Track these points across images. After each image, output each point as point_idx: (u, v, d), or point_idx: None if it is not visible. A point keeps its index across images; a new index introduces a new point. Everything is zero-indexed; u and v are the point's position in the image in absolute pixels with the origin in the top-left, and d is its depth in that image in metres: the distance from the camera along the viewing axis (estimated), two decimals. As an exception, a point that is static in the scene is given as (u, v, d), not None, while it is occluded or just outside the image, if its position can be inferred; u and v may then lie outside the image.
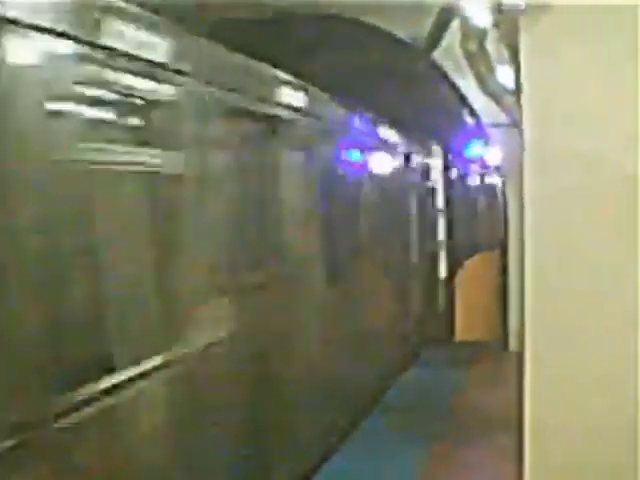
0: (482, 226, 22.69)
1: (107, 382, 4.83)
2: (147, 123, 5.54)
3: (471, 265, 17.12)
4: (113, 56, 5.00)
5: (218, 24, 10.78)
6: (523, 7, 5.03)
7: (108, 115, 5.33)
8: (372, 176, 12.19)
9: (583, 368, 5.04)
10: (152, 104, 5.56)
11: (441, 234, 17.93)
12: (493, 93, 12.01)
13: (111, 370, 4.92)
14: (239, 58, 7.21)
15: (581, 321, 4.98)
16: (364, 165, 11.79)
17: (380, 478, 8.92)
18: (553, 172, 4.89)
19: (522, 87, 5.01)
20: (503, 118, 14.16)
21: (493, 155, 18.07)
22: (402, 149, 14.29)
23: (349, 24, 12.19)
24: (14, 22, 4.07)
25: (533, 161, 4.96)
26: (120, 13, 5.20)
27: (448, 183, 18.79)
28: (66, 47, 4.53)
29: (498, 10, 7.61)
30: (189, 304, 5.96)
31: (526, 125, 4.98)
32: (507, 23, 7.77)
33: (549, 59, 4.89)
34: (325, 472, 8.94)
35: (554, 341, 5.05)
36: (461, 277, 16.96)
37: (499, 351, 14.85)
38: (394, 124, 13.66)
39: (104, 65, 4.94)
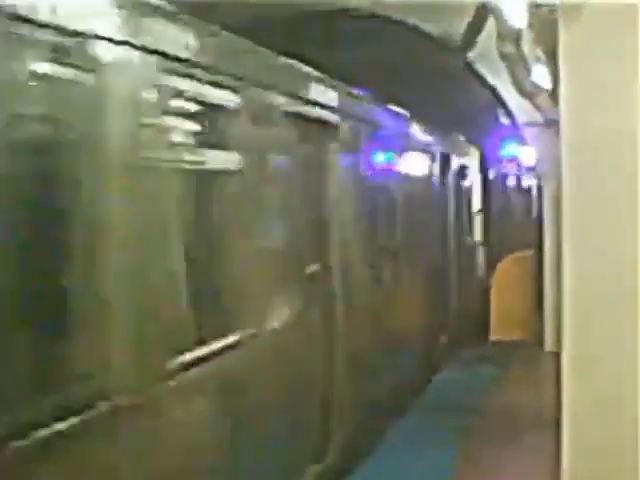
0: (517, 226, 22.65)
1: None
2: None
3: (507, 265, 17.10)
4: None
5: (248, 21, 10.84)
6: (560, 7, 5.04)
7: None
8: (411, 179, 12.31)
9: (621, 367, 5.04)
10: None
11: (477, 234, 17.91)
12: (528, 93, 12.02)
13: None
14: None
15: (620, 320, 4.99)
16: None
17: (415, 476, 8.95)
18: (591, 171, 4.90)
19: (560, 86, 5.02)
20: (538, 118, 14.17)
21: (528, 155, 18.05)
22: (439, 150, 14.31)
23: (385, 22, 12.23)
24: None
25: (571, 160, 4.97)
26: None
27: (483, 183, 18.77)
28: None
29: (535, 10, 7.63)
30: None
31: (564, 124, 5.00)
32: (542, 23, 7.79)
33: (587, 58, 4.90)
34: (362, 470, 8.98)
35: (592, 340, 5.05)
36: (497, 276, 16.94)
37: (535, 350, 14.83)
38: (430, 123, 13.68)
39: None
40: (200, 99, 5.64)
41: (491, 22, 10.05)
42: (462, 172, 16.60)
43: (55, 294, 4.21)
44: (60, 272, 4.26)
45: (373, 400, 9.58)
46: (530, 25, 8.84)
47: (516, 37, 9.70)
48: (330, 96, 8.66)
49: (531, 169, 19.85)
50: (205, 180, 5.82)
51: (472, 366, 14.60)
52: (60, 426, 4.02)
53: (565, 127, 4.99)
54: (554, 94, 10.79)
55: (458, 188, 16.14)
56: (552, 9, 5.51)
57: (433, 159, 13.84)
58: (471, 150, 17.80)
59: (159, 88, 5.01)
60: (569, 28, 4.91)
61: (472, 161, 17.73)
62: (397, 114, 11.94)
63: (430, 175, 13.61)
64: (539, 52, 9.94)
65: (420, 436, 10.31)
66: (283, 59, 7.44)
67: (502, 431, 10.40)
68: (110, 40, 4.48)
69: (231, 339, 5.91)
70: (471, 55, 12.70)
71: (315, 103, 8.13)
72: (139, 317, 4.75)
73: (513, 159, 21.01)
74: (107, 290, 4.47)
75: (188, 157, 5.53)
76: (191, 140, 5.69)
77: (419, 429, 10.63)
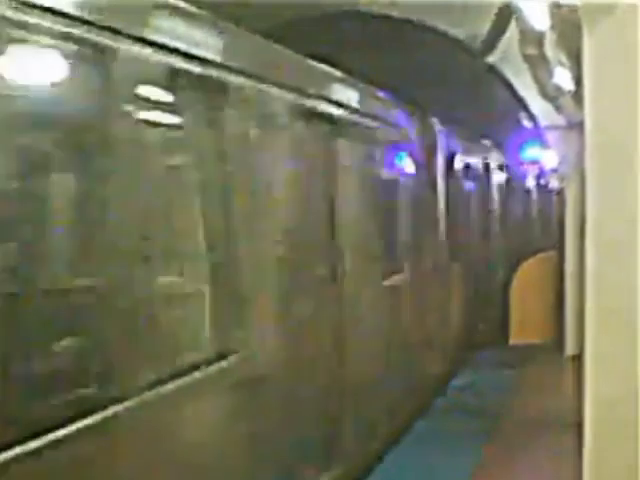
0: (538, 228, 22.63)
1: None
2: None
3: (527, 267, 17.08)
4: None
5: (275, 24, 10.88)
6: (582, 7, 5.03)
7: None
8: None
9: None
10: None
11: (497, 235, 17.90)
12: (551, 95, 12.01)
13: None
14: None
15: (641, 323, 4.97)
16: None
17: (434, 477, 8.96)
18: (616, 173, 4.89)
19: (583, 88, 5.02)
20: (560, 120, 14.16)
21: (550, 157, 18.04)
22: (461, 153, 14.30)
23: (407, 25, 12.25)
24: None
25: (596, 162, 4.96)
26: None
27: (505, 185, 18.77)
28: None
29: (556, 10, 7.62)
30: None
31: (588, 126, 4.98)
32: (564, 24, 7.79)
33: (612, 59, 4.89)
34: (380, 471, 8.99)
35: (615, 344, 5.04)
36: (517, 279, 16.92)
37: (555, 354, 14.80)
38: (453, 126, 13.68)
39: None
40: None
41: (514, 25, 10.06)
42: (484, 174, 16.60)
43: None
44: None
45: None
46: (552, 27, 8.83)
47: (539, 39, 9.70)
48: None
49: (553, 171, 19.84)
50: None
51: (492, 369, 14.59)
52: None
53: (589, 129, 4.98)
54: (576, 96, 10.79)
55: (481, 190, 16.14)
56: (573, 9, 5.51)
57: (455, 162, 13.84)
58: (494, 153, 17.79)
59: None
60: (592, 29, 4.90)
61: (495, 163, 17.71)
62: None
63: (453, 176, 13.60)
64: (561, 54, 9.94)
65: (439, 438, 10.32)
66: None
67: (521, 435, 10.40)
68: None
69: None
70: (494, 58, 12.70)
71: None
72: None
73: (535, 161, 21.01)
74: None
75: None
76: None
77: (438, 431, 10.64)
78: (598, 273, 4.99)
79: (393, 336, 9.87)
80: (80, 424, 4.13)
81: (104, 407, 4.35)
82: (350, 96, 8.85)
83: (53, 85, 4.32)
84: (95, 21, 4.43)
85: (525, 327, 16.53)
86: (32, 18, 4.03)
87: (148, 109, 5.12)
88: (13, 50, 4.02)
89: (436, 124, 12.46)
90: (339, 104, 8.33)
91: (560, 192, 16.67)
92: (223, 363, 5.66)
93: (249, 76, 6.25)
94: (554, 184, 21.55)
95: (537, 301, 16.54)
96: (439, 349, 12.42)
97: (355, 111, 8.82)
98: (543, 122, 14.77)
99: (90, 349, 4.52)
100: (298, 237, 7.08)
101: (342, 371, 8.00)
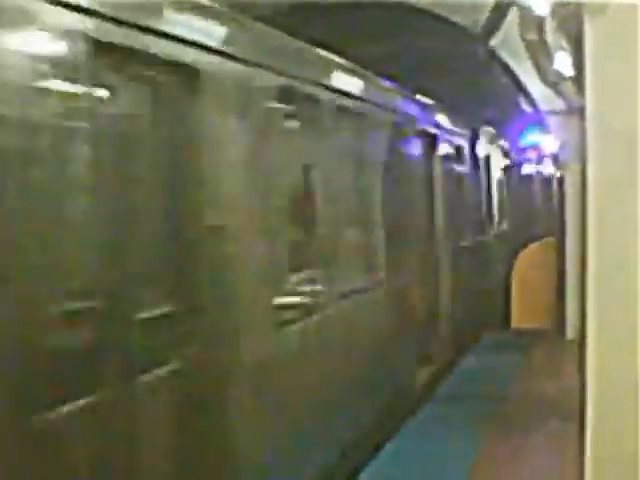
0: (539, 213, 22.65)
1: None
2: None
3: (528, 252, 17.10)
4: None
5: (279, 10, 10.88)
6: (585, 6, 5.04)
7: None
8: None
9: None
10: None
11: (498, 221, 17.90)
12: (551, 81, 12.01)
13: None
14: None
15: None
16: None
17: (438, 462, 8.97)
18: (617, 158, 4.90)
19: (584, 76, 5.03)
20: (561, 105, 14.16)
21: (550, 142, 18.05)
22: (461, 138, 14.30)
23: (408, 10, 12.22)
24: None
25: (597, 147, 4.96)
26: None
27: (506, 171, 18.77)
28: None
29: (559, 7, 7.63)
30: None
31: (589, 116, 4.99)
32: (564, 10, 7.80)
33: (614, 47, 4.90)
34: (384, 455, 9.02)
35: (616, 329, 5.05)
36: (518, 264, 16.95)
37: (556, 338, 14.84)
38: (452, 111, 13.67)
39: None
40: None
41: (514, 10, 10.05)
42: (485, 160, 16.59)
43: None
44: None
45: None
46: (553, 13, 8.84)
47: (539, 25, 9.70)
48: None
49: (553, 156, 19.86)
50: None
51: (494, 353, 14.63)
52: None
53: (590, 119, 4.99)
54: (577, 81, 10.80)
55: (479, 176, 16.14)
56: (576, 6, 5.51)
57: (456, 147, 13.84)
58: (494, 138, 17.78)
59: None
60: (593, 26, 4.90)
61: (494, 149, 17.70)
62: (423, 104, 11.97)
63: (453, 163, 13.61)
64: (562, 40, 9.94)
65: (443, 422, 10.34)
66: None
67: (524, 418, 10.43)
68: None
69: None
70: (494, 43, 12.69)
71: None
72: None
73: (535, 147, 21.03)
74: None
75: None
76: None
77: (442, 415, 10.67)
78: (599, 258, 5.01)
79: None
80: None
81: None
82: None
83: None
84: None
85: (526, 311, 16.56)
86: None
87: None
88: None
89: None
90: None
91: (561, 177, 16.68)
92: None
93: None
94: (553, 170, 21.58)
95: (538, 285, 16.57)
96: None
97: None
98: (543, 107, 14.77)
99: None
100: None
101: None
